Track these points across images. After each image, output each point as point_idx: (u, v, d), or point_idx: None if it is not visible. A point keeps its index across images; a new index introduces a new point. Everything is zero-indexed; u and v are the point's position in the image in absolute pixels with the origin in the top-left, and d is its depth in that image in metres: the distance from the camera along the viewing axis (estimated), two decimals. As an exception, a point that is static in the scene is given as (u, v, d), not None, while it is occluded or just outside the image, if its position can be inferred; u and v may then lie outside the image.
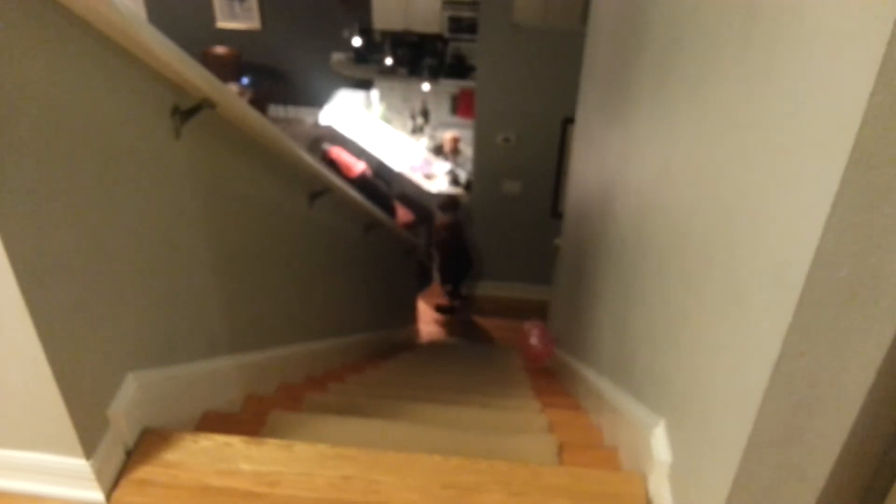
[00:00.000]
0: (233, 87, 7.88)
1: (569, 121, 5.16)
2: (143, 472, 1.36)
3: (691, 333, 1.21)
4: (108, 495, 1.30)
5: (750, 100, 0.98)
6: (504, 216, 5.96)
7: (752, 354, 0.91)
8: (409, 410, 2.08)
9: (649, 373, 1.52)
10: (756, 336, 0.90)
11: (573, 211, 3.43)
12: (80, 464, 1.24)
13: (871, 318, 0.78)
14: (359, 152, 6.81)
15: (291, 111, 9.10)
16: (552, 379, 3.50)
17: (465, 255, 6.08)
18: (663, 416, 1.37)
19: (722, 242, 1.07)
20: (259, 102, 8.13)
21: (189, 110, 1.50)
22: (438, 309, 6.24)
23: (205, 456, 1.42)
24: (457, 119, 7.72)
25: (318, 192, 2.59)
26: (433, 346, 5.41)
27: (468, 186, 6.33)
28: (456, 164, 6.82)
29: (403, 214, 6.52)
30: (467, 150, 6.83)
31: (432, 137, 7.39)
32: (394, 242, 4.73)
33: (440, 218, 5.73)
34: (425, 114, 7.61)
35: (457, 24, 7.33)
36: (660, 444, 1.34)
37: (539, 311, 4.70)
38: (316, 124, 8.12)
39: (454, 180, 6.55)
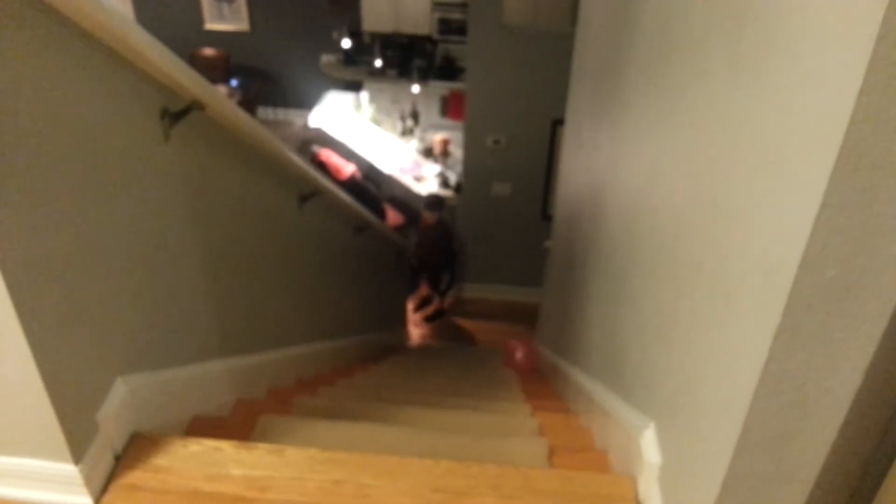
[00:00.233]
0: (222, 89, 7.85)
1: (558, 122, 5.18)
2: (132, 477, 1.35)
3: (681, 335, 1.21)
4: (97, 500, 1.29)
5: (738, 101, 0.99)
6: (494, 218, 5.97)
7: (741, 356, 0.91)
8: (400, 414, 2.08)
9: (639, 375, 1.52)
10: (745, 337, 0.90)
11: (563, 213, 3.44)
12: (69, 469, 1.24)
13: (859, 319, 0.79)
14: (348, 154, 6.80)
15: (280, 113, 9.08)
16: (543, 382, 3.50)
17: (451, 255, 6.09)
18: (653, 419, 1.37)
19: (711, 244, 1.07)
20: (248, 104, 8.10)
21: (178, 112, 1.50)
22: (427, 319, 6.24)
23: (195, 461, 1.41)
24: (446, 121, 7.72)
25: (308, 194, 2.58)
26: (423, 349, 5.41)
27: (458, 188, 6.34)
28: (446, 166, 6.82)
29: (393, 217, 6.52)
30: (457, 152, 6.83)
31: (422, 139, 7.39)
32: (384, 245, 4.73)
33: (427, 217, 5.74)
34: (415, 116, 7.61)
35: (446, 26, 7.33)
36: (650, 446, 1.34)
37: (529, 314, 4.71)
38: (305, 126, 8.10)
39: (444, 182, 6.55)
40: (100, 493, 1.31)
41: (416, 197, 6.55)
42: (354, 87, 8.14)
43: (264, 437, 1.68)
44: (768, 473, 0.93)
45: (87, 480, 1.26)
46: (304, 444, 1.52)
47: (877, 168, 0.70)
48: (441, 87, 7.61)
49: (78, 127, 1.17)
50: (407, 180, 6.66)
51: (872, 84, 0.66)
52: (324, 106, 7.89)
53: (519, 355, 4.27)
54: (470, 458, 1.50)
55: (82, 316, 1.23)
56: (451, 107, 7.64)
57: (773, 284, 0.82)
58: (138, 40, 1.24)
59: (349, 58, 8.11)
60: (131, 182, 1.36)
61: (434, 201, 5.74)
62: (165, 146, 1.49)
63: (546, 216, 5.70)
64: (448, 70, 7.60)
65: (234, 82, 8.42)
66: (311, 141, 6.87)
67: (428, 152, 7.12)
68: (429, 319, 6.24)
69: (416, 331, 6.13)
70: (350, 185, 5.97)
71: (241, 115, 1.77)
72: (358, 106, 7.85)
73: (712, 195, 1.08)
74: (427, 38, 7.57)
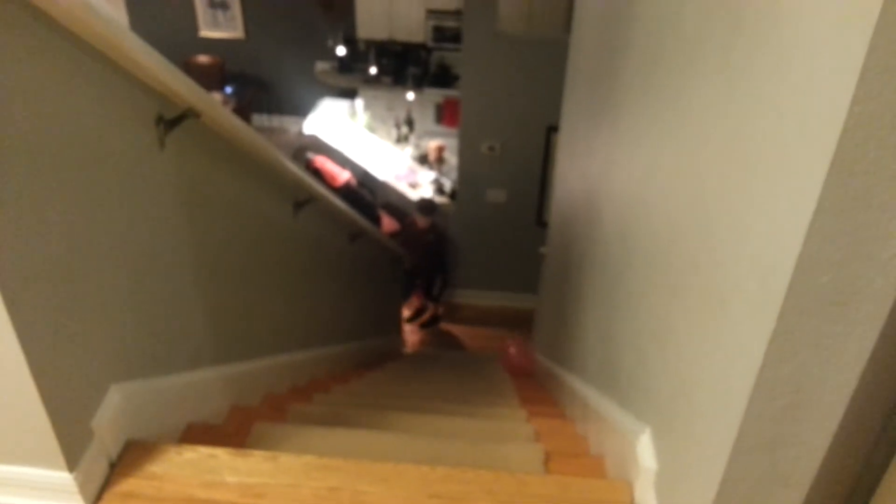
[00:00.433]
0: (216, 96, 7.86)
1: (553, 129, 5.19)
2: (127, 484, 1.35)
3: (676, 340, 1.21)
4: (92, 509, 1.29)
5: (732, 107, 0.99)
6: (489, 225, 5.97)
7: (736, 361, 0.92)
8: (395, 420, 2.08)
9: (634, 380, 1.52)
10: (740, 342, 0.91)
11: (558, 219, 3.45)
12: (64, 477, 1.23)
13: (853, 324, 0.79)
14: (343, 161, 6.80)
15: (275, 120, 9.08)
16: (538, 388, 3.50)
17: (444, 259, 6.09)
18: (649, 424, 1.38)
19: (705, 250, 1.07)
20: (243, 111, 8.10)
21: (173, 120, 1.50)
22: (423, 326, 6.24)
23: (190, 468, 1.40)
24: (441, 128, 7.73)
25: (303, 201, 2.58)
26: (419, 356, 5.40)
27: (453, 195, 6.34)
28: (441, 172, 6.82)
29: (388, 224, 6.51)
30: (452, 158, 6.83)
31: (417, 146, 7.39)
32: (379, 252, 4.73)
33: (420, 220, 5.74)
34: (410, 123, 7.61)
35: (441, 34, 7.34)
36: (645, 451, 1.34)
37: (524, 320, 4.73)
38: (300, 133, 8.10)
39: (439, 189, 6.55)
40: (94, 501, 1.30)
41: (412, 204, 6.56)
42: (349, 94, 8.15)
43: (259, 444, 1.68)
44: (764, 478, 0.93)
45: (82, 488, 1.25)
46: (299, 451, 1.51)
47: (870, 174, 0.70)
48: (436, 95, 7.61)
49: (72, 134, 1.17)
50: (402, 187, 6.66)
51: (865, 91, 0.66)
52: (318, 113, 7.89)
53: (513, 351, 4.34)
54: (466, 463, 1.49)
55: (77, 323, 1.23)
56: (445, 114, 7.65)
57: (767, 289, 0.83)
58: (133, 47, 1.24)
59: (344, 65, 8.12)
60: (126, 189, 1.36)
61: (427, 205, 5.74)
62: (160, 153, 1.49)
63: (541, 222, 5.71)
64: (443, 77, 7.61)
65: (228, 89, 8.42)
66: (306, 148, 6.86)
67: (423, 159, 7.13)
68: (425, 326, 6.24)
69: (410, 337, 6.13)
70: (345, 191, 5.96)
71: (236, 123, 1.77)
72: (353, 113, 7.86)
73: (706, 201, 1.08)
74: (422, 46, 7.58)
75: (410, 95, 7.63)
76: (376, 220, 6.19)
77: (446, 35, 7.32)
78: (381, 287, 5.02)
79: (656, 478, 1.28)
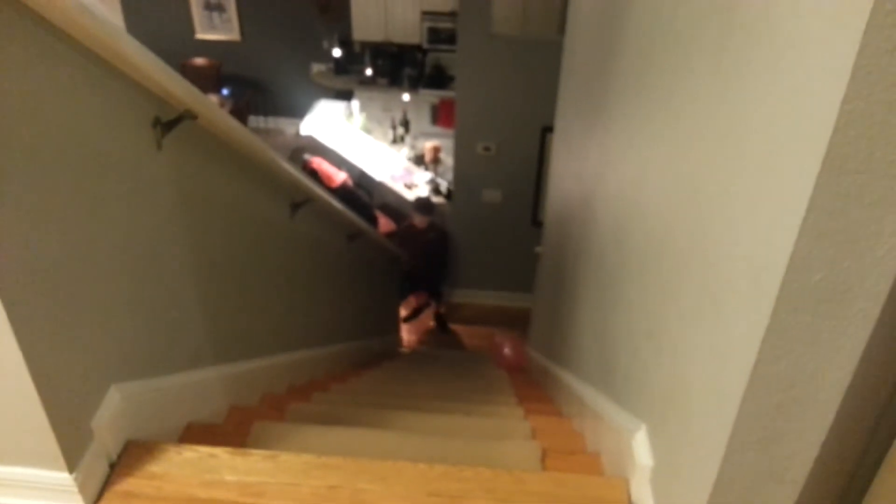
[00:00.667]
0: (213, 98, 7.85)
1: (548, 129, 5.20)
2: (127, 484, 1.35)
3: (670, 338, 1.22)
4: (92, 509, 1.30)
5: (725, 108, 1.00)
6: (485, 225, 5.98)
7: (730, 358, 0.93)
8: (394, 419, 2.08)
9: (630, 378, 1.53)
10: (734, 340, 0.91)
11: (553, 219, 3.45)
12: (64, 477, 1.24)
13: (846, 321, 0.80)
14: (340, 162, 6.80)
15: (272, 122, 9.08)
16: (535, 386, 3.51)
17: (446, 257, 6.10)
18: (644, 421, 1.38)
19: (699, 248, 1.08)
20: (239, 113, 8.09)
21: (170, 121, 1.50)
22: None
23: (189, 467, 1.41)
24: (437, 129, 7.73)
25: (301, 202, 2.58)
26: (416, 355, 5.40)
27: (449, 195, 6.35)
28: (437, 173, 6.83)
29: (385, 224, 6.52)
30: (448, 159, 6.84)
31: (413, 147, 7.40)
32: (376, 252, 4.73)
33: (419, 220, 5.74)
34: (405, 124, 7.62)
35: (436, 35, 7.35)
36: (641, 448, 1.35)
37: (520, 319, 4.74)
38: (297, 135, 8.09)
39: (435, 189, 6.56)
40: (94, 501, 1.31)
41: (408, 204, 6.57)
42: (345, 95, 8.15)
43: (258, 443, 1.68)
44: (759, 474, 0.94)
45: (82, 488, 1.26)
46: (298, 450, 1.52)
47: (861, 172, 0.71)
48: (431, 96, 7.62)
49: (70, 136, 1.17)
50: (398, 187, 6.67)
51: (856, 90, 0.67)
52: (315, 114, 7.89)
53: (507, 350, 4.32)
54: (464, 461, 1.50)
55: (76, 324, 1.23)
56: (441, 115, 7.65)
57: (760, 288, 0.83)
58: (130, 50, 1.25)
59: (340, 67, 8.12)
60: (124, 190, 1.37)
61: (424, 204, 5.75)
62: (158, 155, 1.50)
63: (536, 222, 5.72)
64: (438, 78, 7.62)
65: (225, 91, 8.42)
66: (303, 149, 6.86)
67: (419, 160, 7.13)
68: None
69: (409, 336, 6.13)
70: (342, 192, 5.97)
71: (233, 124, 1.77)
72: (349, 114, 7.86)
73: (699, 200, 1.09)
74: (417, 47, 7.59)
75: (406, 96, 7.63)
76: (373, 221, 6.19)
77: (441, 36, 7.33)
78: (378, 287, 5.02)
79: (652, 474, 1.29)
